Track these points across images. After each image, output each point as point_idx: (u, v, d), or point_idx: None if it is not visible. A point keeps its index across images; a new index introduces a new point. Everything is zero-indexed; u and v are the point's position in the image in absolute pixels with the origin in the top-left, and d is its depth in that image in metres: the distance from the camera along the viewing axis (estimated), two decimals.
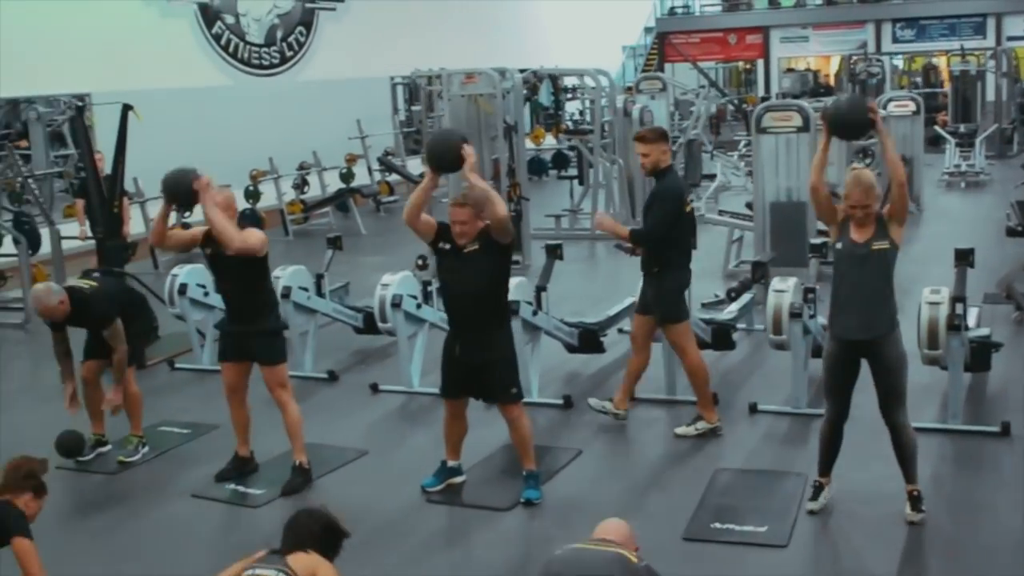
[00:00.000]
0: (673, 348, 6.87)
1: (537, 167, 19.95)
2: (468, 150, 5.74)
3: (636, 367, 6.88)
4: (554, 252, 7.99)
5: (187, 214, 11.18)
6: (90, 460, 6.73)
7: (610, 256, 13.04)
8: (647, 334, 6.79)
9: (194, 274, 8.72)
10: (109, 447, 6.85)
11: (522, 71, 13.95)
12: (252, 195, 15.11)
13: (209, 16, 16.13)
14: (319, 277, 8.72)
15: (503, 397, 5.81)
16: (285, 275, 8.42)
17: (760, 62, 30.56)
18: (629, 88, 20.00)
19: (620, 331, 8.60)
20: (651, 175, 6.55)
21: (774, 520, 5.44)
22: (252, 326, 6.13)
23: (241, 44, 16.78)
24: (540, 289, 7.65)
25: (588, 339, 8.09)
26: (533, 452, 5.94)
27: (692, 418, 6.78)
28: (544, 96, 21.19)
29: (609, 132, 14.17)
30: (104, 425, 6.85)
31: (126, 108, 8.55)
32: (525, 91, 19.80)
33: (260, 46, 17.17)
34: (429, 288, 8.09)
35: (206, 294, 8.67)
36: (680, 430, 6.73)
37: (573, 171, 17.03)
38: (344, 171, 16.99)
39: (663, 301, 6.55)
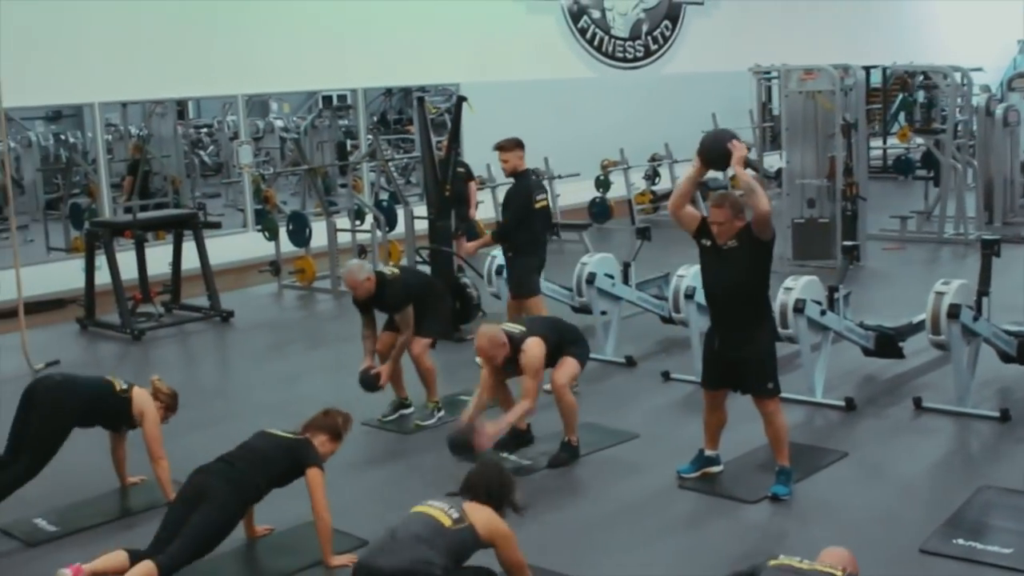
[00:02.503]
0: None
1: (904, 166, 19.24)
2: (737, 145, 5.85)
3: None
4: (850, 253, 7.89)
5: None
6: (393, 420, 7.43)
7: (955, 260, 12.51)
8: (516, 311, 8.01)
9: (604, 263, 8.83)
10: (412, 409, 7.51)
11: (867, 68, 13.54)
12: (602, 184, 15.64)
13: (575, 12, 16.79)
14: (626, 265, 8.98)
15: (759, 391, 5.89)
16: (592, 262, 8.77)
17: None
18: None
19: None
20: (510, 177, 8.12)
21: None
22: None
23: (606, 38, 17.34)
24: (832, 290, 7.56)
25: (884, 343, 7.89)
26: (787, 449, 5.95)
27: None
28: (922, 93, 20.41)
29: (964, 132, 13.47)
30: (405, 389, 7.52)
31: (460, 99, 9.20)
32: (896, 88, 19.29)
33: (625, 40, 17.65)
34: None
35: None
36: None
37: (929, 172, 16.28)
38: None
39: (513, 278, 8.18)
